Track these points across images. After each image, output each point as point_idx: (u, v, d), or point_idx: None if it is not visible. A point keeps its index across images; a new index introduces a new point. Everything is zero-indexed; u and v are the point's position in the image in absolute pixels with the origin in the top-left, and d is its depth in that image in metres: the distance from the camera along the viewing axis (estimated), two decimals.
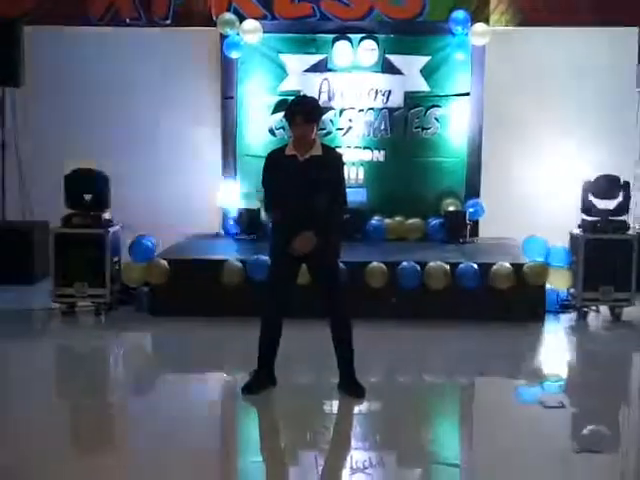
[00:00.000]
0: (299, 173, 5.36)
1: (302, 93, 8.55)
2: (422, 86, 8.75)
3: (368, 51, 8.73)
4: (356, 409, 5.35)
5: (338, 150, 6.04)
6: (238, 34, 8.64)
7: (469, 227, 8.54)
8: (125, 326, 7.37)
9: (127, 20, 8.88)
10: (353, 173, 8.74)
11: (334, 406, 5.50)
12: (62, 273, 7.42)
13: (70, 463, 4.56)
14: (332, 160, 5.48)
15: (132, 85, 9.27)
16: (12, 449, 4.77)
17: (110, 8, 8.86)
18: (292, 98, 6.05)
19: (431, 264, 7.35)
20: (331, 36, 8.73)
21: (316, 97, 7.00)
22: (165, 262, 7.46)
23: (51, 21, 8.88)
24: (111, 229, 7.56)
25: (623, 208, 7.56)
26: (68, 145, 8.99)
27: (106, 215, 7.64)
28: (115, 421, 5.35)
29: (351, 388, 5.45)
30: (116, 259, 7.62)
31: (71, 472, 4.44)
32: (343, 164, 5.54)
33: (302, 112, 5.33)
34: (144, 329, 7.31)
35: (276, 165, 5.50)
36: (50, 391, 5.89)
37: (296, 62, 8.79)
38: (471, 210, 8.63)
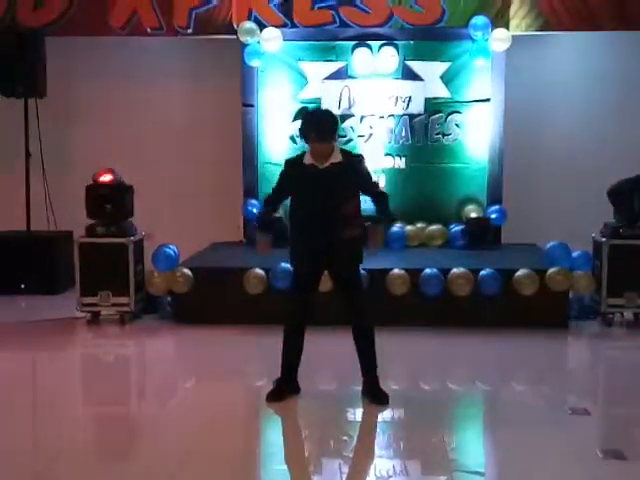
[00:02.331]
0: (319, 181, 5.35)
1: (322, 101, 8.64)
2: (442, 92, 8.73)
3: (388, 58, 8.72)
4: (380, 417, 5.35)
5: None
6: (258, 42, 8.67)
7: (491, 233, 8.52)
8: (149, 334, 7.41)
9: (148, 29, 8.92)
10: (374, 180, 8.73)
11: (357, 414, 5.51)
12: (87, 282, 7.49)
13: (95, 471, 4.59)
14: (352, 164, 5.47)
15: (153, 94, 9.36)
16: (39, 458, 4.83)
17: (132, 18, 8.90)
18: (306, 112, 6.03)
19: (454, 271, 7.34)
20: (351, 43, 8.72)
21: (331, 108, 6.89)
22: (189, 271, 7.50)
23: (73, 31, 8.94)
24: (134, 238, 7.62)
25: None
26: (91, 155, 9.08)
27: (129, 224, 7.71)
28: (139, 429, 5.37)
29: (374, 395, 5.47)
30: (139, 268, 7.68)
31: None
32: (364, 161, 5.59)
33: (316, 130, 5.31)
34: (168, 337, 7.35)
35: (295, 173, 5.49)
36: (76, 400, 5.93)
37: (316, 69, 8.79)
38: (493, 216, 8.61)
